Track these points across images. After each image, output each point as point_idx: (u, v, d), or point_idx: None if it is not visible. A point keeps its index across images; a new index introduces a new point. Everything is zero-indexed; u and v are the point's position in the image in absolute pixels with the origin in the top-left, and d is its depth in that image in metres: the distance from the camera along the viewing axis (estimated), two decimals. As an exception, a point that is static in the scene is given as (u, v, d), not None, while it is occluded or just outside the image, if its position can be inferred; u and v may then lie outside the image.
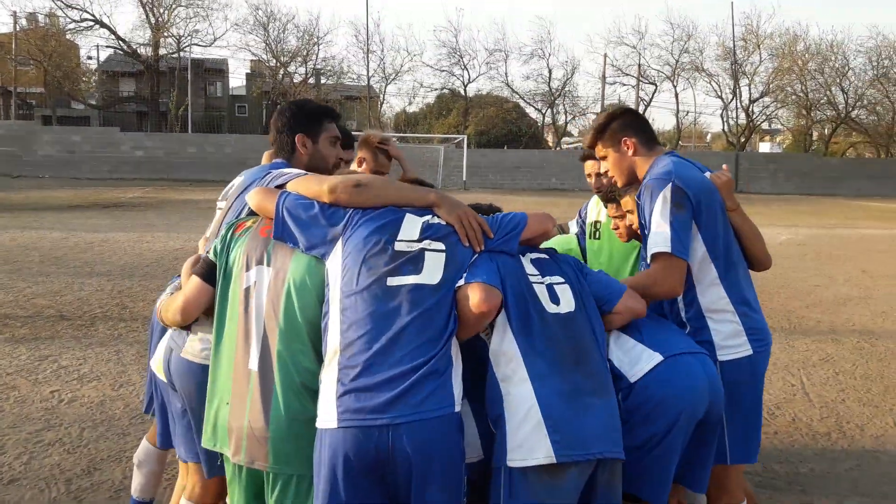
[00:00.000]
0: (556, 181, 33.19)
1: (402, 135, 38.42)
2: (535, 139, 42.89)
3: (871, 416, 4.77)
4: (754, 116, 40.46)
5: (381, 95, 41.68)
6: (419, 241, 2.11)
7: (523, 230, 2.26)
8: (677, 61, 40.16)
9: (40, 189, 23.28)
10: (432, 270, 2.07)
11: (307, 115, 2.69)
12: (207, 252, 2.31)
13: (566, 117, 43.58)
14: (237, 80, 50.92)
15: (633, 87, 41.39)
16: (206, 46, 39.48)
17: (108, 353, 5.61)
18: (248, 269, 2.16)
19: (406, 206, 2.20)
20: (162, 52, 38.34)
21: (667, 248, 2.44)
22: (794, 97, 39.95)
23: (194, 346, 2.31)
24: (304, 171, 2.43)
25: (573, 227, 3.86)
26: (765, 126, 45.58)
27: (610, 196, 3.00)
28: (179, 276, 2.47)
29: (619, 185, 2.84)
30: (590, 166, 3.53)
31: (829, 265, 11.36)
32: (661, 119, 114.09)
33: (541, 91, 41.92)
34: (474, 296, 2.02)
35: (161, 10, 37.51)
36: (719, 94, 40.54)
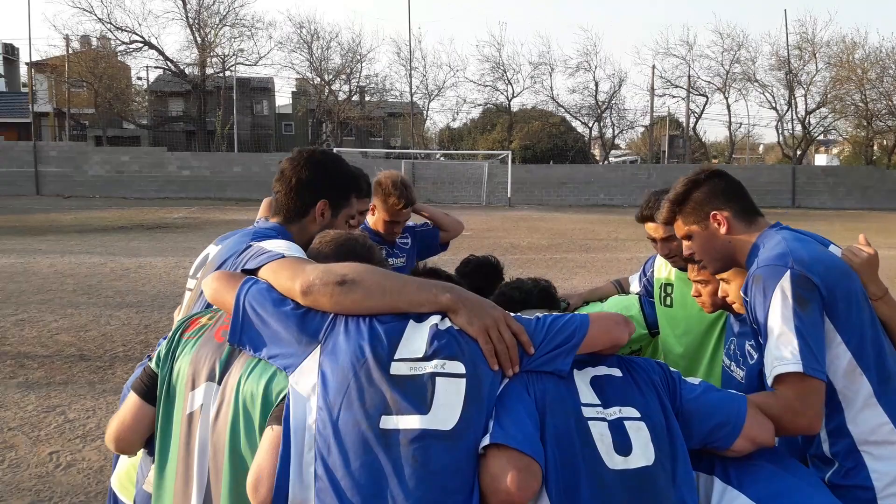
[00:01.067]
0: (604, 197, 32.32)
1: (445, 151, 38.13)
2: (581, 153, 42.05)
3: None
4: (811, 128, 38.94)
5: (425, 112, 41.42)
6: (427, 359, 1.49)
7: (582, 341, 1.60)
8: (728, 72, 38.96)
9: (89, 209, 23.53)
10: (446, 409, 1.44)
11: (339, 181, 2.17)
12: (149, 359, 1.77)
13: (614, 130, 42.67)
14: (283, 98, 51.45)
15: (683, 98, 40.32)
16: (251, 65, 39.83)
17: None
18: (194, 386, 1.61)
19: (409, 312, 1.59)
20: (208, 71, 38.80)
21: (797, 366, 1.77)
22: (853, 107, 38.32)
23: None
24: (291, 245, 1.86)
25: (635, 285, 3.22)
26: (820, 137, 43.89)
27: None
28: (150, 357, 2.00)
29: (712, 272, 2.20)
30: (651, 229, 2.81)
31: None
32: (712, 131, 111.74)
33: (587, 104, 41.10)
34: (502, 477, 1.38)
35: (207, 30, 38.02)
36: (773, 104, 39.14)
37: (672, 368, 1.74)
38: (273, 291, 1.63)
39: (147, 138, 42.15)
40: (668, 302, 2.88)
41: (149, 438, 1.75)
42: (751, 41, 61.21)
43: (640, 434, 1.54)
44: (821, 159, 51.78)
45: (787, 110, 38.49)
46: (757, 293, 1.88)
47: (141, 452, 1.88)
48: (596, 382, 1.62)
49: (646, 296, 3.11)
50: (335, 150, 29.05)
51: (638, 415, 1.57)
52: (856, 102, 37.79)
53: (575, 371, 1.63)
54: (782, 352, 1.79)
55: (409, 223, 3.81)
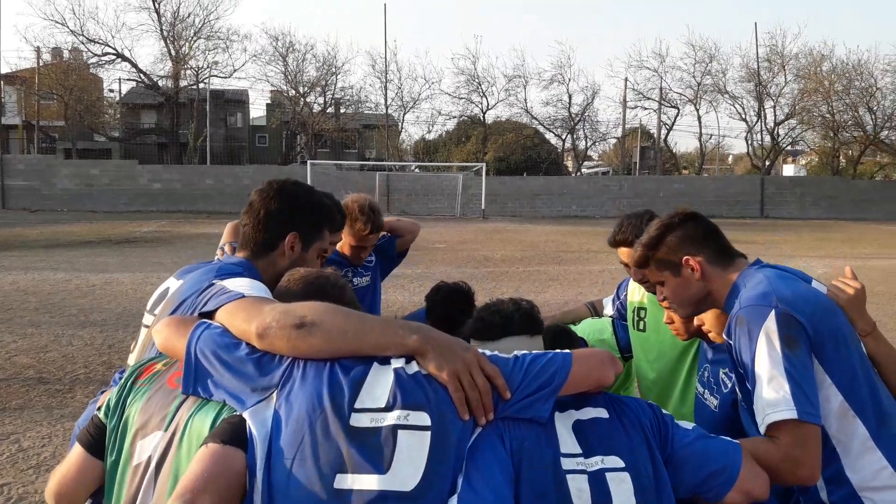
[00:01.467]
0: (576, 208, 32.53)
1: (420, 163, 38.15)
2: (555, 165, 42.30)
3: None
4: (779, 139, 39.56)
5: (400, 124, 41.43)
6: (389, 409, 1.37)
7: (563, 384, 1.47)
8: (699, 84, 39.47)
9: (56, 224, 23.15)
10: (407, 466, 1.32)
11: (311, 213, 2.04)
12: (99, 409, 1.66)
13: (586, 142, 43.01)
14: (258, 110, 51.22)
15: (655, 110, 40.77)
16: (225, 78, 39.58)
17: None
18: (144, 435, 1.52)
19: (374, 355, 1.48)
20: (182, 83, 38.49)
21: (792, 412, 1.66)
22: (820, 119, 39.00)
23: None
24: (254, 283, 1.74)
25: (608, 308, 3.18)
26: (788, 148, 44.59)
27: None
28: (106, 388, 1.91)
29: (682, 316, 2.14)
30: (624, 254, 2.75)
31: (872, 304, 10.50)
32: (683, 142, 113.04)
33: (560, 116, 41.37)
34: None
35: (181, 43, 37.73)
36: (743, 116, 39.72)
37: (665, 411, 1.64)
38: (226, 335, 1.53)
39: (118, 151, 41.65)
40: (641, 326, 2.85)
41: (94, 492, 1.66)
42: (722, 53, 62.26)
43: (622, 487, 1.42)
44: (788, 170, 52.59)
45: (757, 121, 39.13)
46: (741, 335, 1.79)
47: None
48: (579, 428, 1.50)
49: (619, 319, 3.08)
50: (309, 162, 28.97)
51: (622, 465, 1.45)
52: (823, 114, 38.48)
53: (556, 414, 1.50)
54: (774, 398, 1.69)
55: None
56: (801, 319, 1.75)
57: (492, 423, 1.44)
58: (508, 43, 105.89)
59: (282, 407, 1.39)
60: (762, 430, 1.72)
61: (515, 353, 1.55)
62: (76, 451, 1.63)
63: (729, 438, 1.64)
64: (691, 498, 1.55)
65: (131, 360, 2.00)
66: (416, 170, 36.50)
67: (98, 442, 1.60)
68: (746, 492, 1.54)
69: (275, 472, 1.34)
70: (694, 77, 39.55)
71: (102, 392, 1.94)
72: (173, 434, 1.49)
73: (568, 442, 1.47)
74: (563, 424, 1.49)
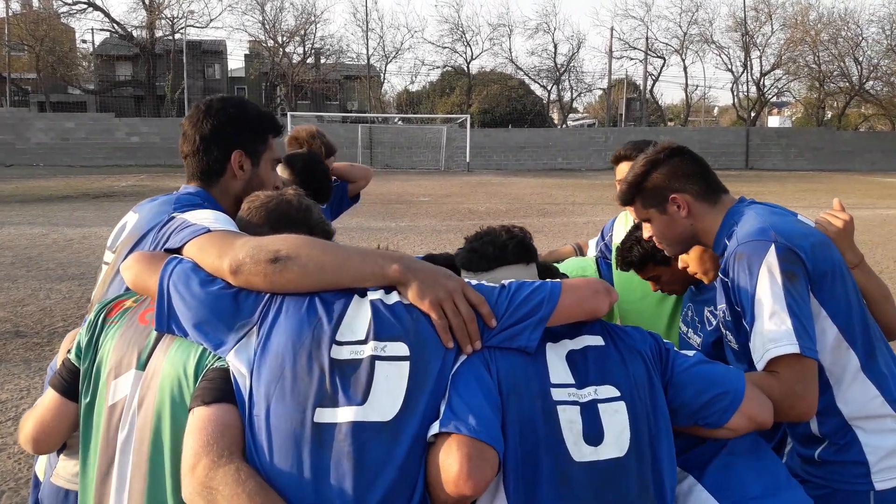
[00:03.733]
0: (562, 161, 32.36)
1: (403, 115, 37.64)
2: (540, 117, 41.96)
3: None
4: (765, 90, 39.41)
5: (382, 74, 40.78)
6: (365, 341, 1.34)
7: (551, 314, 1.42)
8: (686, 33, 39.10)
9: (32, 178, 22.67)
10: (385, 397, 1.30)
11: (249, 124, 1.89)
12: (69, 352, 1.59)
13: (572, 94, 42.65)
14: (236, 61, 50.20)
15: (641, 61, 40.35)
16: (202, 28, 38.68)
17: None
18: (117, 375, 1.45)
19: (354, 287, 1.42)
20: (157, 34, 37.48)
21: (794, 347, 1.63)
22: (806, 69, 38.85)
23: (67, 467, 1.66)
24: (218, 215, 1.63)
25: (592, 249, 3.14)
26: (774, 100, 44.50)
27: (648, 257, 2.30)
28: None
29: (670, 254, 2.05)
30: (622, 170, 2.70)
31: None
32: (669, 94, 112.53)
33: (546, 67, 40.94)
34: (450, 466, 1.23)
35: (155, -9, 36.64)
36: (729, 66, 39.49)
37: (666, 340, 1.57)
38: (200, 271, 1.45)
39: (94, 104, 40.67)
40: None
41: None
42: (709, 2, 61.50)
43: (615, 419, 1.38)
44: (774, 121, 52.52)
45: (743, 72, 38.92)
46: (741, 271, 1.73)
47: None
48: (572, 357, 1.44)
49: (602, 259, 3.04)
50: (289, 114, 28.48)
51: (617, 394, 1.40)
52: (809, 64, 38.34)
53: (549, 344, 1.44)
54: (776, 332, 1.65)
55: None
56: (800, 253, 1.72)
57: (477, 352, 1.39)
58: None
59: (261, 343, 1.35)
60: (761, 364, 1.69)
61: (503, 281, 1.50)
62: (50, 396, 1.57)
63: (732, 366, 1.59)
64: (690, 429, 1.50)
65: (94, 297, 1.90)
66: (400, 122, 36.02)
67: (71, 384, 1.54)
68: (751, 416, 1.49)
69: (255, 407, 1.31)
70: (680, 27, 39.22)
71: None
72: (150, 377, 1.41)
73: (560, 372, 1.41)
74: (556, 354, 1.44)
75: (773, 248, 1.70)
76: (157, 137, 30.37)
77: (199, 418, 1.30)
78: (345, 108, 45.15)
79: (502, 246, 1.69)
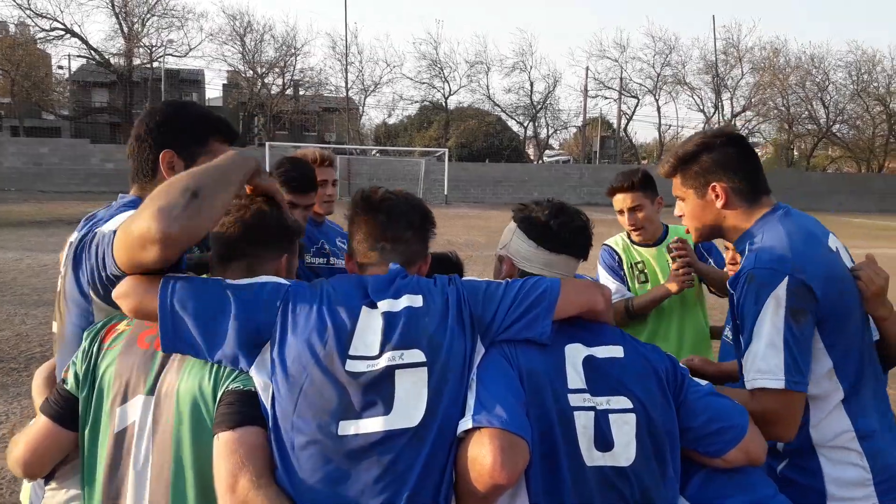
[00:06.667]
0: (538, 195, 31.89)
1: (382, 147, 37.81)
2: (516, 153, 42.40)
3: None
4: (737, 131, 40.31)
5: (361, 107, 41.02)
6: (380, 353, 1.37)
7: (556, 302, 1.48)
8: (659, 74, 39.96)
9: (3, 203, 22.27)
10: (408, 403, 1.33)
11: (184, 125, 1.78)
12: (63, 380, 1.56)
13: (548, 130, 43.22)
14: (214, 90, 50.04)
15: (615, 100, 41.12)
16: (180, 57, 38.60)
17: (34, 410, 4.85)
18: (123, 401, 1.44)
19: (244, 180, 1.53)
20: (135, 62, 37.36)
21: (779, 383, 1.68)
22: (775, 111, 39.88)
23: (57, 496, 1.59)
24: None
25: (611, 286, 3.13)
26: (745, 140, 45.57)
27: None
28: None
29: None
30: (619, 201, 3.00)
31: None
32: (643, 133, 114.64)
33: (522, 104, 41.50)
34: (484, 457, 1.25)
35: (134, 20, 36.60)
36: (701, 107, 40.38)
37: (681, 365, 1.63)
38: (203, 289, 1.44)
39: (68, 130, 40.24)
40: (642, 279, 3.06)
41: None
42: (682, 45, 63.15)
43: (623, 430, 1.42)
44: (744, 161, 53.61)
45: (714, 113, 39.77)
46: (748, 294, 1.74)
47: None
48: (589, 364, 1.49)
49: (619, 280, 3.14)
50: (267, 144, 28.40)
51: (629, 406, 1.45)
52: (778, 107, 39.35)
53: (567, 347, 1.49)
54: (766, 365, 1.69)
55: (339, 227, 3.55)
56: (814, 289, 1.71)
57: (497, 346, 1.46)
58: (470, 29, 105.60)
59: (276, 359, 1.38)
60: (748, 386, 1.73)
61: (507, 279, 1.59)
62: (42, 422, 1.55)
63: (735, 401, 1.63)
64: (686, 451, 1.55)
65: (55, 327, 1.79)
66: (378, 154, 36.16)
67: (65, 412, 1.52)
68: (747, 452, 1.54)
69: (279, 422, 1.34)
70: (654, 68, 40.05)
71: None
72: (162, 401, 1.40)
73: (575, 378, 1.46)
74: (574, 358, 1.49)
75: (785, 281, 1.69)
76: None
77: (227, 442, 1.31)
78: (323, 140, 45.21)
79: (578, 231, 1.73)
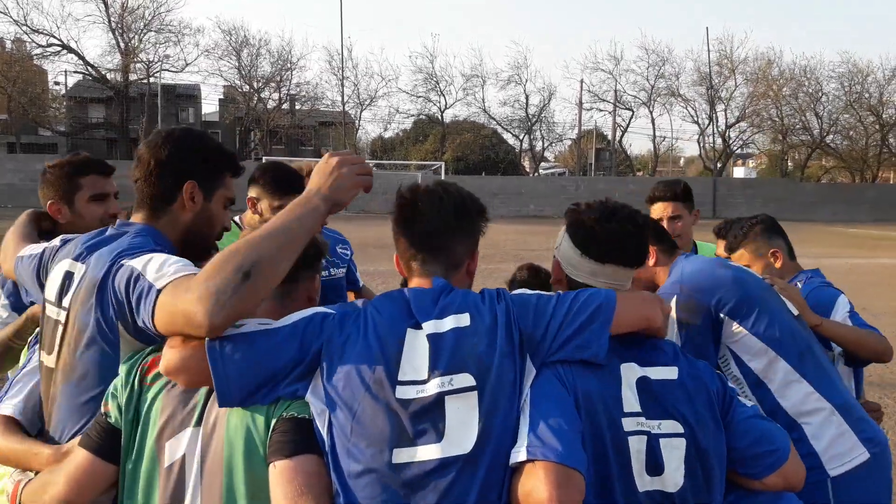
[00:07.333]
0: (534, 207, 32.77)
1: (378, 161, 37.94)
2: (512, 165, 42.59)
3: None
4: (730, 142, 40.55)
5: (357, 121, 41.19)
6: (429, 378, 1.35)
7: (612, 317, 1.42)
8: (653, 86, 40.23)
9: (1, 220, 22.28)
10: (460, 429, 1.31)
11: (207, 158, 1.79)
12: (103, 414, 1.54)
13: (543, 143, 43.44)
14: (210, 105, 50.20)
15: (610, 112, 41.37)
16: (177, 72, 38.74)
17: None
18: (171, 435, 1.45)
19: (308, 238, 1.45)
20: (132, 77, 37.50)
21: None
22: (769, 122, 40.13)
23: None
24: (171, 258, 1.55)
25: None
26: (739, 151, 45.78)
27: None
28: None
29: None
30: (659, 209, 3.07)
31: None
32: (637, 144, 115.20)
33: (518, 117, 41.71)
34: (540, 492, 1.23)
35: (131, 36, 36.78)
36: (696, 119, 40.64)
37: (730, 384, 1.61)
38: (249, 348, 1.39)
39: (65, 146, 40.32)
40: None
41: None
42: (675, 57, 63.64)
43: (673, 454, 1.40)
44: (739, 172, 53.98)
45: (709, 124, 40.04)
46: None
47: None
48: (643, 386, 1.45)
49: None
50: (264, 158, 28.53)
51: (680, 430, 1.42)
52: (772, 117, 39.59)
53: (622, 367, 1.45)
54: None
55: (338, 234, 3.57)
56: (703, 298, 2.03)
57: (550, 367, 1.41)
58: (466, 42, 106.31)
59: (327, 387, 1.37)
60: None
61: (559, 292, 1.52)
62: (83, 456, 1.52)
63: (778, 424, 1.62)
64: (727, 471, 1.54)
65: (45, 358, 1.75)
66: (374, 168, 36.17)
67: (106, 445, 1.52)
68: (786, 478, 1.52)
69: (336, 454, 1.34)
70: (648, 80, 40.34)
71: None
72: (211, 429, 1.42)
73: (630, 401, 1.43)
74: (628, 380, 1.45)
75: (674, 299, 2.03)
76: (128, 179, 30.02)
77: (284, 471, 1.32)
78: (319, 154, 45.24)
79: (628, 237, 1.64)
